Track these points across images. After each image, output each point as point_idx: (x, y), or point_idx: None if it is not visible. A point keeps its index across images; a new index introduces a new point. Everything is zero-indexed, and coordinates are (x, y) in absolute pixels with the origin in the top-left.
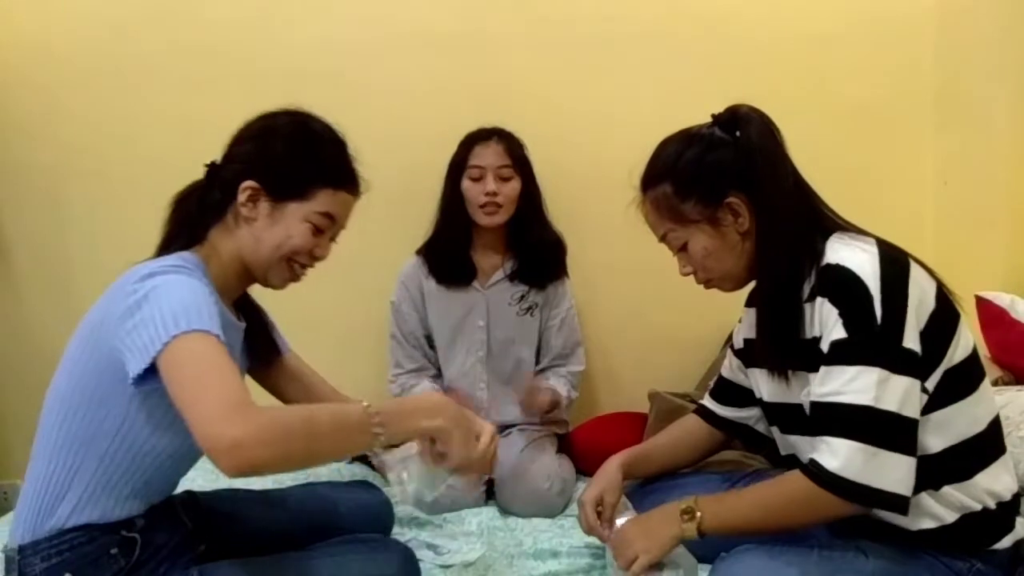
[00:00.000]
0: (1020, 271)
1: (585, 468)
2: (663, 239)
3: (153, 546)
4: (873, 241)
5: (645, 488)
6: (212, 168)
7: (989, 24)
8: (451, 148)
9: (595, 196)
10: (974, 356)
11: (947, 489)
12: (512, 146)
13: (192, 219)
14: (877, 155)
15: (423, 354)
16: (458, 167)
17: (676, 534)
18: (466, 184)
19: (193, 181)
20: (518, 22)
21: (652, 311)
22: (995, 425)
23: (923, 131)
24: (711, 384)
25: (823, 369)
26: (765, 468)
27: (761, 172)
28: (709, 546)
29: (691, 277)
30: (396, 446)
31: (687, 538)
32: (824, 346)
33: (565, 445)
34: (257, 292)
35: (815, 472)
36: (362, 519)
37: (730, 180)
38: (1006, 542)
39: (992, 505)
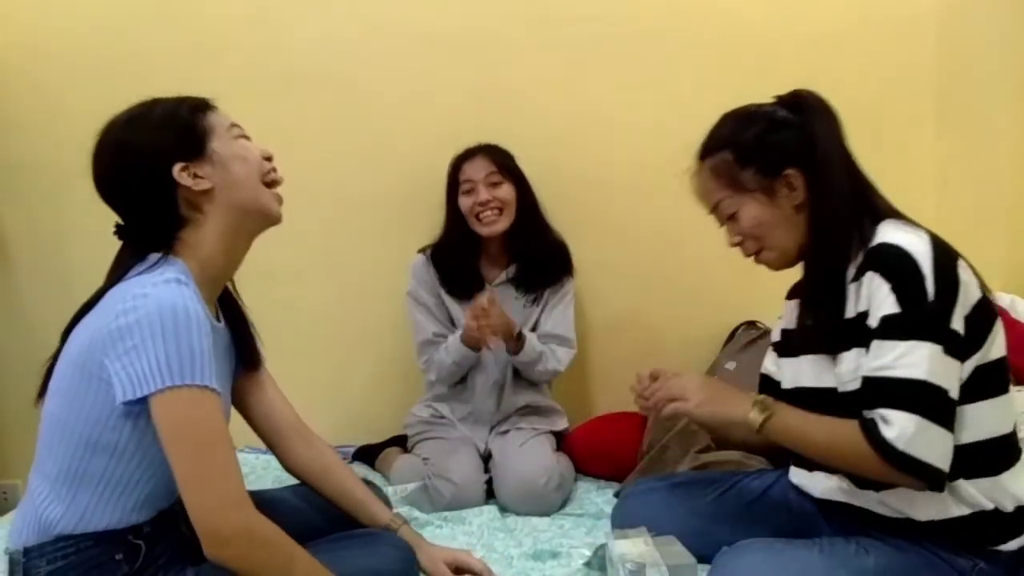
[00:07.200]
0: (1020, 271)
1: (585, 468)
2: (714, 209)
3: (155, 552)
4: (924, 230)
5: (639, 488)
6: (120, 229)
7: (989, 24)
8: (451, 148)
9: (595, 196)
10: (1006, 359)
11: (962, 483)
12: (497, 157)
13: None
14: (877, 155)
15: (447, 319)
16: (453, 187)
17: (741, 416)
18: (461, 200)
19: (118, 252)
20: (519, 23)
21: (652, 311)
22: (1015, 431)
23: (923, 131)
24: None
25: (875, 343)
26: (766, 468)
27: (820, 155)
28: (710, 544)
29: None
30: None
31: (749, 426)
32: (873, 321)
33: (565, 445)
34: (263, 292)
35: (870, 432)
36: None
37: (790, 158)
38: (1013, 545)
39: (1010, 508)
